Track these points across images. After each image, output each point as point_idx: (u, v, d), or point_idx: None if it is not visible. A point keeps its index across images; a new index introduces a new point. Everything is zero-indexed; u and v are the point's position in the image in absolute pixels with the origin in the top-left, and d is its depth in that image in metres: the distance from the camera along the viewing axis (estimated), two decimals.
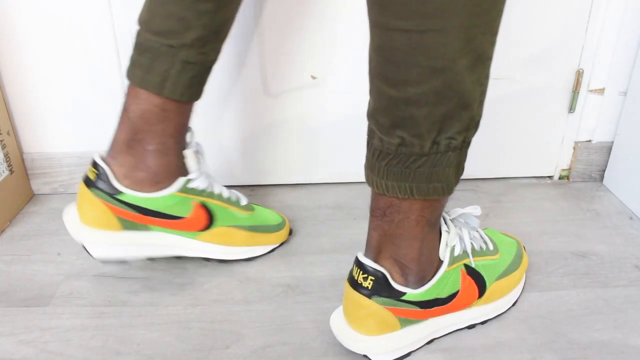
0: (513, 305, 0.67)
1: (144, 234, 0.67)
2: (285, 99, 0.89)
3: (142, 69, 0.60)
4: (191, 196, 0.68)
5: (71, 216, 0.66)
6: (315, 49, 0.85)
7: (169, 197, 0.66)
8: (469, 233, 0.64)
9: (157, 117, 0.62)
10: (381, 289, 0.56)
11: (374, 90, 0.52)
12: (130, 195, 0.64)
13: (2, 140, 0.85)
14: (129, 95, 0.62)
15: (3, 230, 0.84)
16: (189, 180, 0.67)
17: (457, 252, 0.61)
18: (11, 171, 0.87)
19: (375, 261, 0.58)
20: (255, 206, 0.78)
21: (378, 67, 0.50)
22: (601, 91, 0.91)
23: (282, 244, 0.79)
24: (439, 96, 0.48)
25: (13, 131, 0.89)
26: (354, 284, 0.58)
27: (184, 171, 0.67)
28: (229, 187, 0.96)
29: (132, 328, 0.64)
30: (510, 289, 0.66)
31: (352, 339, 0.58)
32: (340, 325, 0.60)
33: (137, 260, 0.76)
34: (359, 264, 0.57)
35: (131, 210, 0.65)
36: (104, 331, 0.64)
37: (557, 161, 0.98)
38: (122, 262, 0.70)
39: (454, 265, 0.60)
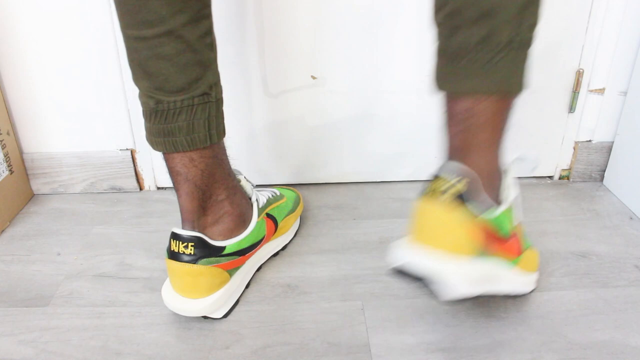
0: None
1: (243, 269, 0.69)
2: (285, 99, 0.89)
3: (184, 131, 0.59)
4: (263, 215, 0.72)
5: (168, 289, 0.66)
6: (315, 49, 0.85)
7: (261, 226, 0.71)
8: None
9: (213, 166, 0.63)
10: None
11: None
12: (230, 245, 0.65)
13: (2, 140, 0.85)
14: (179, 164, 0.61)
15: (3, 230, 0.84)
16: (257, 202, 0.71)
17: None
18: (11, 171, 0.88)
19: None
20: (276, 191, 0.81)
21: None
22: (601, 91, 0.91)
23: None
24: None
25: (13, 131, 0.89)
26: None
27: (249, 199, 0.71)
28: None
29: (132, 328, 0.64)
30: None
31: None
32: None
33: (137, 260, 0.76)
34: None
35: (236, 258, 0.66)
36: (104, 331, 0.64)
37: (557, 161, 0.98)
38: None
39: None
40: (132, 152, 0.92)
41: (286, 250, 0.79)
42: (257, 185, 0.96)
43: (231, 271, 0.65)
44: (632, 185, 0.89)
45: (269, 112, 0.90)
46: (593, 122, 0.93)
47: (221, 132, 0.64)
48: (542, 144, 0.96)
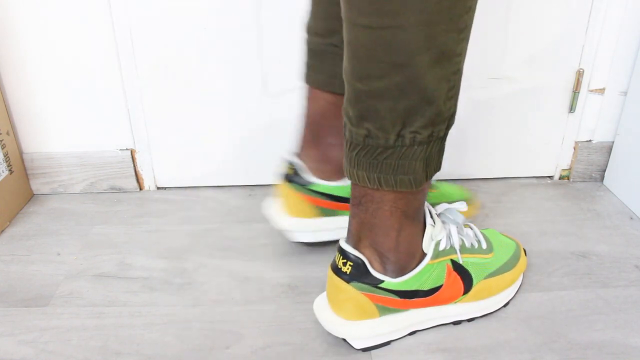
0: (504, 306, 0.67)
1: (335, 219, 0.74)
2: (285, 99, 0.88)
3: (314, 70, 0.67)
4: (442, 260, 0.64)
5: (274, 207, 0.75)
6: None
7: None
8: (459, 229, 0.64)
9: (333, 113, 0.68)
10: (359, 275, 0.58)
11: (345, 83, 0.53)
12: (321, 185, 0.71)
13: (1, 140, 0.85)
14: (307, 96, 0.69)
15: (3, 230, 0.84)
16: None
17: (443, 246, 0.61)
18: (11, 171, 0.87)
19: (356, 248, 0.59)
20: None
21: (347, 61, 0.51)
22: (601, 91, 0.91)
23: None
24: (401, 91, 0.49)
25: (13, 131, 0.89)
26: (335, 269, 0.59)
27: None
28: (229, 187, 0.96)
29: (132, 328, 0.64)
30: (501, 289, 0.66)
31: (332, 323, 0.60)
32: (322, 309, 0.61)
33: (137, 260, 0.76)
34: (340, 250, 0.59)
35: (323, 198, 0.72)
36: (103, 331, 0.64)
37: (557, 161, 0.98)
38: (318, 244, 0.77)
39: (439, 259, 0.61)
40: (132, 152, 0.92)
41: (286, 250, 0.78)
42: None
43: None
44: (632, 185, 0.89)
45: (269, 112, 0.90)
46: (593, 122, 0.93)
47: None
48: (542, 144, 0.96)
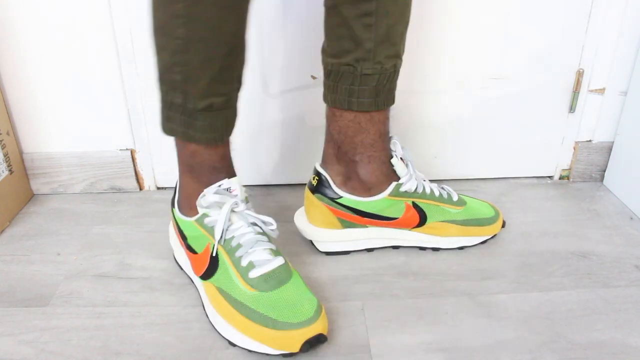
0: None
1: (363, 230, 0.75)
2: (285, 99, 0.89)
3: (331, 90, 0.69)
4: (403, 199, 0.73)
5: (301, 217, 0.78)
6: (315, 49, 0.85)
7: (381, 200, 0.73)
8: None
9: (353, 130, 0.70)
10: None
11: None
12: (348, 199, 0.73)
13: (1, 140, 0.85)
14: (327, 114, 0.72)
15: (3, 230, 0.84)
16: (399, 185, 0.73)
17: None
18: (11, 171, 0.87)
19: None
20: (467, 199, 0.80)
21: None
22: (601, 91, 0.91)
23: (494, 235, 0.80)
24: None
25: (13, 131, 0.89)
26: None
27: (395, 176, 0.73)
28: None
29: (132, 328, 0.64)
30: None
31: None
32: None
33: (137, 260, 0.76)
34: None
35: (350, 212, 0.73)
36: (103, 331, 0.64)
37: (557, 161, 0.98)
38: (345, 254, 0.78)
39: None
40: (132, 152, 0.92)
41: (286, 250, 0.78)
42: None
43: (344, 222, 0.73)
44: (632, 185, 0.89)
45: (269, 112, 0.90)
46: (593, 122, 0.93)
47: (364, 103, 0.68)
48: (542, 144, 0.96)
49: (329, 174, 0.73)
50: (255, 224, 0.64)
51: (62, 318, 0.66)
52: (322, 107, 0.90)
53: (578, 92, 0.91)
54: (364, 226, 0.75)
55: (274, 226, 0.65)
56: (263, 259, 0.61)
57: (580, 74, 0.89)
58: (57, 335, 0.63)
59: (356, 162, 0.72)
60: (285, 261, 0.63)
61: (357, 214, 0.73)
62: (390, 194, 0.72)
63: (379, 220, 0.74)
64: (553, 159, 0.98)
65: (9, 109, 0.88)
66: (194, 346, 0.62)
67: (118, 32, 0.82)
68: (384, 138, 0.72)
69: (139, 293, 0.70)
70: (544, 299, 0.69)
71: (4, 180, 0.85)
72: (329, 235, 0.75)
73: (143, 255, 0.77)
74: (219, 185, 0.64)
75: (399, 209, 0.73)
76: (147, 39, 0.83)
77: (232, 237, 0.62)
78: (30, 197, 0.93)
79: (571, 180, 0.98)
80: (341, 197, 0.72)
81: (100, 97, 0.87)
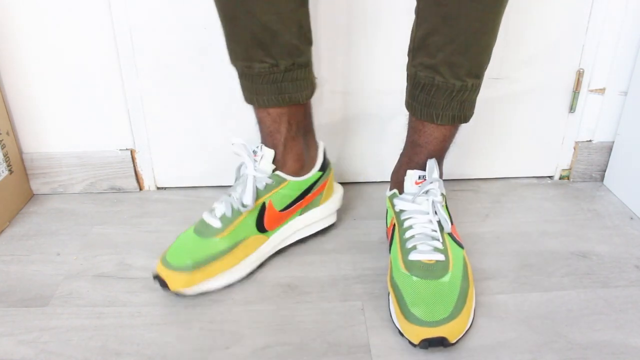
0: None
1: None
2: None
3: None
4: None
5: None
6: (315, 49, 0.85)
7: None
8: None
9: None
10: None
11: None
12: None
13: (1, 140, 0.85)
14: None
15: (2, 230, 0.84)
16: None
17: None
18: (11, 171, 0.87)
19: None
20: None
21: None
22: (602, 91, 0.91)
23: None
24: None
25: (12, 131, 0.89)
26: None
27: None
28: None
29: (132, 328, 0.64)
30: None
31: None
32: None
33: (137, 260, 0.76)
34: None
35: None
36: (103, 331, 0.64)
37: (557, 161, 0.98)
38: None
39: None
40: (132, 152, 0.92)
41: (286, 250, 0.78)
42: None
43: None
44: (632, 185, 0.89)
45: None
46: (593, 122, 0.93)
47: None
48: (542, 144, 0.96)
49: None
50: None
51: (61, 318, 0.66)
52: (322, 107, 0.89)
53: (578, 92, 0.91)
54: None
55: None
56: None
57: (580, 74, 0.89)
58: (57, 335, 0.63)
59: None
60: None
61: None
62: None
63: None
64: (553, 159, 0.98)
65: (9, 109, 0.88)
66: (194, 346, 0.62)
67: (118, 32, 0.82)
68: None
69: (139, 293, 0.70)
70: (544, 299, 0.69)
71: (4, 180, 0.85)
72: None
73: (143, 255, 0.77)
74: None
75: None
76: (147, 39, 0.83)
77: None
78: (30, 197, 0.93)
79: (571, 180, 0.98)
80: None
81: (100, 97, 0.87)
